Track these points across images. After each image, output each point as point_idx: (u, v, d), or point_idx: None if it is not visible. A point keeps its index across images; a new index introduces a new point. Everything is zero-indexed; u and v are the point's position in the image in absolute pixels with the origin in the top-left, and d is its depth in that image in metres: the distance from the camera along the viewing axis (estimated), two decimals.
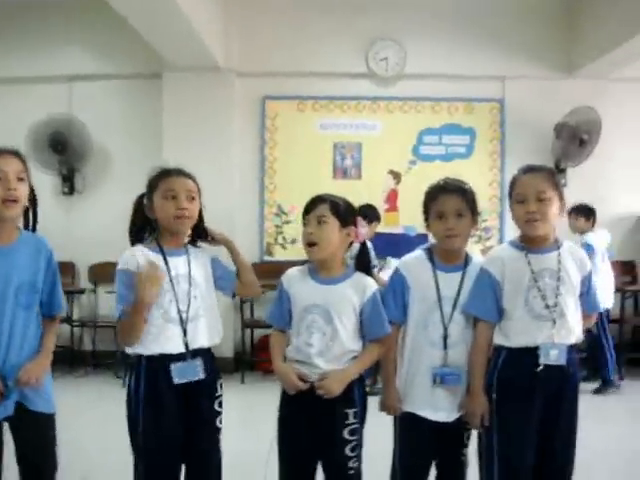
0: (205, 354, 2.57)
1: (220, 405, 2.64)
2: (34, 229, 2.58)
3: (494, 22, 6.91)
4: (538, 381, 2.46)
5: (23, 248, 2.48)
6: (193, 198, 2.59)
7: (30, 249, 2.50)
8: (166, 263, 2.54)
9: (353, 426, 2.51)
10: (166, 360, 2.48)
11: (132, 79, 7.14)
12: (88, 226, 6.62)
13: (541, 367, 2.45)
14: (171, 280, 2.53)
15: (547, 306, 2.49)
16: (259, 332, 6.72)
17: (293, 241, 6.89)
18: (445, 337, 2.54)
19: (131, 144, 7.10)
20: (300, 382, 2.47)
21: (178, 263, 2.58)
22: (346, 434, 2.49)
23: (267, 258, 6.98)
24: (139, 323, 2.44)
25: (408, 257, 2.72)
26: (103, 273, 6.32)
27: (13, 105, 7.06)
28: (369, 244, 5.66)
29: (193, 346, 2.52)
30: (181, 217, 2.54)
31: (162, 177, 2.61)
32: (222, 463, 2.64)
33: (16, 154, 2.47)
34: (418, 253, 2.69)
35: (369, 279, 2.60)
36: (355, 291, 2.55)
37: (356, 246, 2.68)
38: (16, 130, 6.53)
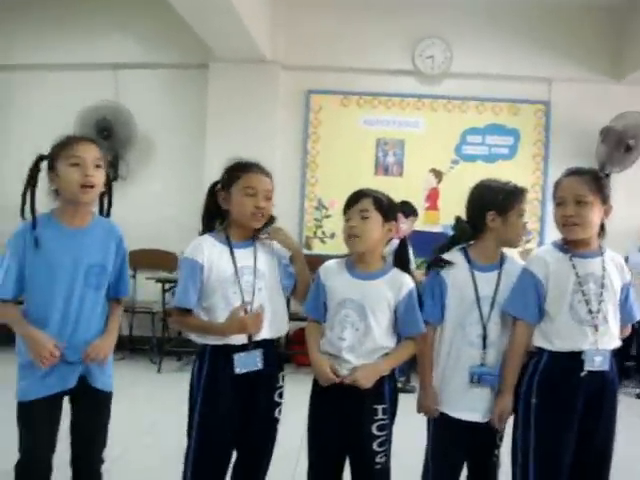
0: (267, 346, 2.58)
1: (280, 396, 2.65)
2: (108, 214, 2.66)
3: (542, 23, 6.84)
4: (580, 386, 2.44)
5: (96, 232, 2.55)
6: (269, 197, 2.62)
7: (102, 233, 2.57)
8: (232, 255, 2.57)
9: (382, 422, 2.51)
10: (229, 350, 2.51)
11: (178, 68, 7.21)
12: (129, 212, 6.68)
13: (585, 372, 2.43)
14: (236, 272, 2.55)
15: (590, 311, 2.46)
16: (293, 325, 6.72)
17: (332, 235, 6.91)
18: (484, 337, 2.54)
19: (175, 133, 7.18)
20: (333, 375, 2.48)
21: (244, 255, 2.60)
22: (374, 429, 2.50)
23: (306, 252, 6.98)
24: (210, 333, 2.54)
25: (445, 257, 2.71)
26: (143, 259, 6.36)
27: (62, 91, 7.17)
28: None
29: (256, 338, 2.54)
30: (257, 215, 2.57)
31: (243, 171, 2.61)
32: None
33: (93, 142, 2.54)
34: (455, 253, 2.68)
35: (406, 276, 2.60)
36: (391, 288, 2.55)
37: (395, 242, 2.69)
38: (64, 116, 6.65)
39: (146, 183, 7.00)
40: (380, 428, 2.51)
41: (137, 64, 7.18)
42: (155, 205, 6.77)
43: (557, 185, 2.58)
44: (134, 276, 6.97)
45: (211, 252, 2.55)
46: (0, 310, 2.48)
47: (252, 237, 2.66)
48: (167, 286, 6.34)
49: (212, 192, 2.67)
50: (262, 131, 6.84)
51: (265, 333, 2.56)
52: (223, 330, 2.49)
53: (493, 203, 2.62)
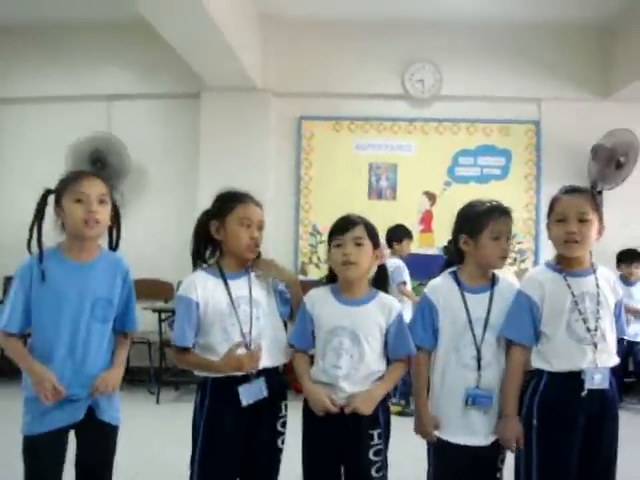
0: (269, 373, 2.57)
1: (283, 426, 2.63)
2: (116, 247, 2.67)
3: (530, 44, 6.90)
4: (580, 405, 2.43)
5: (102, 265, 2.56)
6: (262, 228, 2.64)
7: (108, 267, 2.58)
8: (227, 286, 2.56)
9: (378, 446, 2.51)
10: (232, 382, 2.49)
11: (170, 98, 7.25)
12: (125, 242, 6.68)
13: (585, 392, 2.42)
14: (232, 303, 2.54)
15: (588, 329, 2.45)
16: (291, 351, 6.71)
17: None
18: (478, 359, 2.52)
19: (168, 162, 7.20)
20: (331, 404, 2.46)
21: (239, 285, 2.59)
22: (371, 455, 2.49)
23: (302, 277, 6.99)
24: (209, 370, 2.53)
25: (435, 281, 2.72)
26: (139, 289, 6.25)
27: (55, 123, 7.21)
28: (402, 263, 5.68)
29: (257, 367, 2.53)
30: (251, 246, 2.58)
31: (238, 202, 2.61)
32: None
33: (99, 177, 2.55)
34: (444, 276, 2.69)
35: (393, 299, 2.63)
36: (381, 312, 2.56)
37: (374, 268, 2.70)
38: (58, 148, 6.69)
39: (141, 213, 6.97)
40: (376, 453, 2.50)
41: (130, 95, 7.24)
42: (150, 235, 6.75)
43: (555, 202, 2.56)
44: None
45: (205, 287, 2.55)
46: (6, 344, 2.47)
47: (245, 266, 2.65)
48: (164, 316, 6.32)
49: (204, 222, 2.66)
50: (255, 158, 6.87)
51: (266, 361, 2.55)
52: (220, 368, 2.49)
53: (464, 227, 2.64)
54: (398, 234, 6.01)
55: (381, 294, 2.62)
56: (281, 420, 2.63)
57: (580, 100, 6.91)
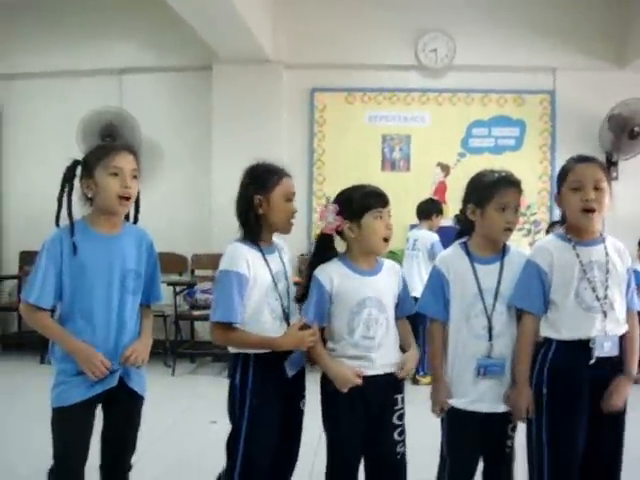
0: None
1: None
2: (136, 221, 2.67)
3: (544, 13, 6.81)
4: (589, 373, 2.42)
5: (128, 238, 2.56)
6: (290, 199, 2.66)
7: (134, 239, 2.58)
8: (266, 261, 2.57)
9: (401, 411, 2.58)
10: (276, 357, 2.51)
11: (182, 71, 7.23)
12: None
13: (594, 360, 2.41)
14: (273, 279, 2.57)
15: (597, 298, 2.44)
16: None
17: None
18: (490, 328, 2.53)
19: (180, 135, 7.21)
20: (357, 378, 2.48)
21: (274, 260, 2.62)
22: (395, 419, 2.56)
23: None
24: (268, 347, 2.51)
25: (445, 253, 2.74)
26: None
27: (66, 98, 7.21)
28: (437, 236, 5.82)
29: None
30: (292, 220, 2.64)
31: (282, 177, 2.63)
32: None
33: (131, 151, 2.55)
34: (455, 248, 2.69)
35: (394, 262, 2.73)
36: (393, 277, 2.65)
37: None
38: (69, 123, 6.71)
39: (154, 186, 6.91)
40: (399, 417, 2.57)
41: (141, 68, 7.24)
42: (164, 208, 6.75)
43: (569, 170, 2.52)
44: None
45: (253, 262, 2.53)
46: (35, 319, 2.45)
47: (271, 243, 2.68)
48: (178, 289, 6.36)
49: (249, 196, 2.60)
50: (268, 131, 6.86)
51: None
52: (282, 345, 2.50)
53: (471, 197, 2.63)
54: (437, 208, 6.09)
55: (385, 260, 2.68)
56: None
57: (595, 69, 6.82)
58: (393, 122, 7.08)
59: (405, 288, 2.68)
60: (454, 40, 6.89)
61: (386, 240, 2.56)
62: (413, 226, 6.17)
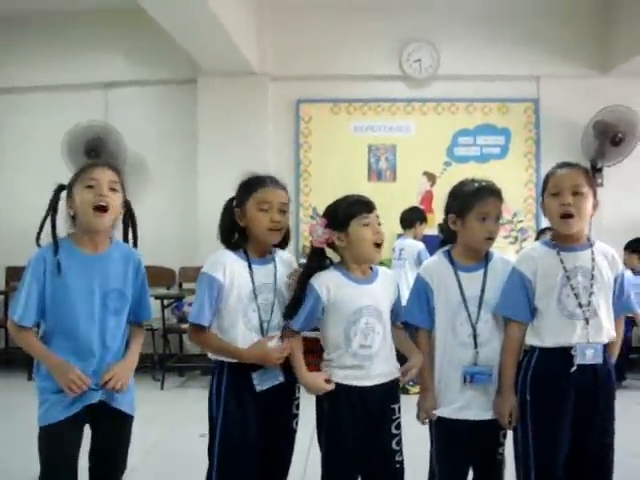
0: (286, 359, 2.56)
1: (297, 408, 2.67)
2: (135, 244, 2.66)
3: (527, 22, 6.86)
4: (572, 380, 2.43)
5: (113, 256, 2.53)
6: (285, 211, 2.62)
7: (120, 258, 2.55)
8: (251, 271, 2.57)
9: (398, 420, 2.58)
10: (248, 367, 2.51)
11: (167, 85, 7.23)
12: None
13: (575, 367, 2.42)
14: (254, 290, 2.55)
15: (580, 305, 2.45)
16: None
17: None
18: (475, 336, 2.54)
19: (166, 148, 7.19)
20: (326, 384, 2.49)
21: (263, 272, 2.60)
22: (393, 428, 2.55)
23: (303, 261, 6.98)
24: (230, 356, 2.53)
25: (428, 262, 2.77)
26: None
27: (52, 112, 7.18)
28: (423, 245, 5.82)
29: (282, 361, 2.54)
30: (274, 230, 2.57)
31: (257, 186, 2.61)
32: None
33: (110, 167, 2.54)
34: (438, 256, 2.70)
35: (388, 270, 2.76)
36: (390, 285, 2.65)
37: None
38: (56, 135, 6.70)
39: (140, 200, 6.81)
40: (397, 427, 2.57)
41: (126, 82, 7.23)
42: (150, 221, 6.60)
43: (550, 176, 2.55)
44: None
45: (232, 269, 2.54)
46: (20, 337, 2.45)
47: (271, 253, 2.67)
48: (166, 302, 6.33)
49: (229, 209, 2.65)
50: (253, 143, 6.85)
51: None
52: (244, 356, 2.49)
53: (452, 206, 2.65)
54: (420, 215, 6.12)
55: (381, 268, 2.69)
56: (295, 402, 2.66)
57: (579, 77, 6.88)
58: (379, 132, 7.10)
59: (399, 295, 2.68)
60: (438, 50, 6.92)
61: (377, 245, 2.55)
62: (400, 235, 6.18)
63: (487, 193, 2.58)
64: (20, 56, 7.18)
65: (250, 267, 2.57)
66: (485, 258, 2.63)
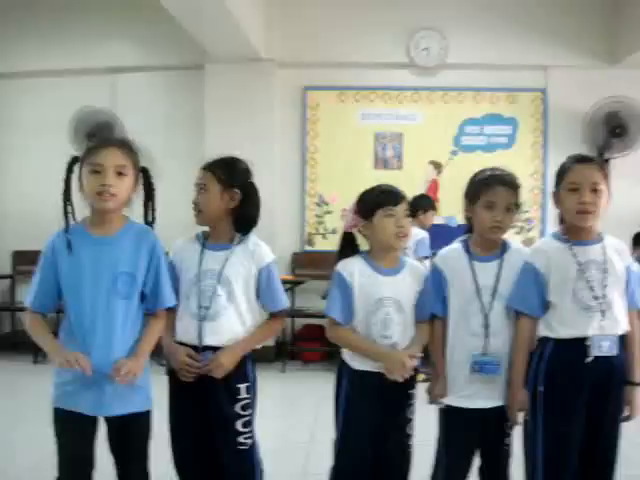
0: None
1: (244, 409, 2.60)
2: (153, 222, 2.59)
3: (536, 11, 6.82)
4: (586, 372, 2.43)
5: (125, 238, 2.44)
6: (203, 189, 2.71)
7: (132, 240, 2.45)
8: (200, 256, 2.61)
9: (414, 405, 2.63)
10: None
11: (174, 70, 7.21)
12: (132, 217, 6.69)
13: (590, 358, 2.41)
14: (199, 275, 2.57)
15: (595, 297, 2.45)
16: (300, 321, 6.77)
17: (334, 231, 6.89)
18: (486, 326, 2.54)
19: (173, 134, 7.18)
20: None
21: (213, 258, 2.60)
22: (408, 413, 2.61)
23: (308, 248, 7.02)
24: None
25: (444, 251, 2.75)
26: None
27: (58, 97, 7.19)
28: (426, 234, 5.76)
29: (205, 343, 2.54)
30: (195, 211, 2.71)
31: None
32: (252, 463, 2.63)
33: (120, 146, 2.44)
34: (455, 245, 2.71)
35: (419, 264, 2.76)
36: (415, 278, 2.64)
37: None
38: (62, 121, 6.71)
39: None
40: (412, 411, 2.62)
41: (133, 67, 7.21)
42: (158, 208, 6.73)
43: (567, 171, 2.53)
44: None
45: (183, 250, 2.65)
46: (28, 323, 2.42)
47: (231, 240, 2.65)
48: None
49: None
50: (260, 129, 6.84)
51: (213, 339, 2.56)
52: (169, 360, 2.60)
53: (466, 195, 2.67)
54: (424, 204, 6.05)
55: (409, 260, 2.72)
56: (240, 403, 2.60)
57: (587, 67, 6.84)
58: (385, 120, 7.08)
59: (426, 290, 2.64)
60: (446, 38, 6.89)
61: (399, 237, 2.56)
62: None
63: (496, 182, 2.58)
64: (23, 42, 7.16)
65: (202, 251, 2.61)
66: (502, 248, 2.63)
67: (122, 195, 2.41)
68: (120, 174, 2.38)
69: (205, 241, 2.65)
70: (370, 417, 2.54)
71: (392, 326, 2.54)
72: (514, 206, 2.58)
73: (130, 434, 2.45)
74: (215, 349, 2.54)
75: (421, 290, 2.63)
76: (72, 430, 2.38)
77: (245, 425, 2.58)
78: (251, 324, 2.64)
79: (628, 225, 6.16)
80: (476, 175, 2.68)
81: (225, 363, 2.52)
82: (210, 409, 2.57)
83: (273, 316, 2.74)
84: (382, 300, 2.55)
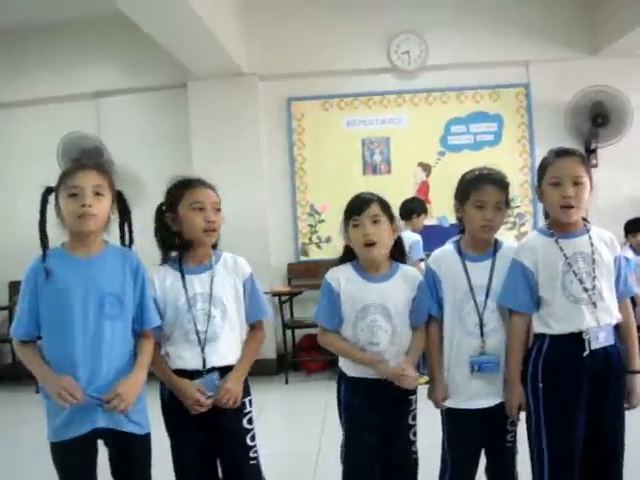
0: (225, 371, 2.55)
1: (250, 422, 2.61)
2: (130, 243, 2.56)
3: (513, 7, 6.84)
4: (584, 365, 2.42)
5: (108, 260, 2.43)
6: (218, 210, 2.60)
7: (115, 261, 2.44)
8: (183, 281, 2.55)
9: (415, 411, 2.62)
10: (185, 376, 2.51)
11: (157, 91, 7.20)
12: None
13: (587, 352, 2.41)
14: (188, 300, 2.53)
15: (585, 289, 2.44)
16: (300, 332, 6.76)
17: (327, 240, 6.91)
18: (481, 325, 2.55)
19: (159, 154, 7.12)
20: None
21: (198, 281, 2.57)
22: (410, 420, 2.60)
23: (303, 258, 7.02)
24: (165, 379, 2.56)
25: (437, 252, 2.76)
26: None
27: (44, 124, 7.19)
28: (419, 237, 5.75)
29: (209, 365, 2.52)
30: (209, 230, 2.55)
31: (186, 188, 2.61)
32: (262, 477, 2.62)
33: (95, 167, 2.44)
34: (447, 246, 2.72)
35: (414, 269, 2.72)
36: (407, 284, 2.62)
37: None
38: (49, 147, 6.71)
39: (133, 208, 6.90)
40: (414, 417, 2.62)
41: (116, 90, 7.20)
42: (145, 229, 6.71)
43: (548, 165, 2.53)
44: None
45: (163, 282, 2.55)
46: (21, 353, 2.40)
47: (209, 259, 2.63)
48: None
49: (160, 216, 2.67)
50: (247, 143, 6.85)
51: (217, 361, 2.54)
52: (176, 390, 2.53)
53: (456, 195, 2.68)
54: (417, 207, 6.05)
55: (403, 266, 2.67)
56: (247, 417, 2.61)
57: (568, 59, 6.86)
58: (371, 126, 7.10)
59: (423, 296, 2.63)
60: (425, 41, 6.91)
61: (367, 245, 2.54)
62: None
63: (484, 181, 2.59)
64: (6, 71, 7.16)
65: (183, 276, 2.56)
66: (494, 247, 2.64)
67: (102, 215, 2.40)
68: (98, 194, 2.37)
69: (181, 267, 2.59)
70: (370, 423, 2.54)
71: (379, 333, 2.54)
72: (504, 204, 2.59)
73: (130, 458, 2.43)
74: (218, 368, 2.54)
75: (415, 296, 2.62)
76: (71, 457, 2.35)
77: (252, 439, 2.58)
78: (244, 335, 2.66)
79: (618, 213, 6.20)
80: (465, 175, 2.69)
81: (235, 390, 2.52)
82: (218, 428, 2.55)
83: (254, 327, 2.72)
84: (369, 307, 2.55)
